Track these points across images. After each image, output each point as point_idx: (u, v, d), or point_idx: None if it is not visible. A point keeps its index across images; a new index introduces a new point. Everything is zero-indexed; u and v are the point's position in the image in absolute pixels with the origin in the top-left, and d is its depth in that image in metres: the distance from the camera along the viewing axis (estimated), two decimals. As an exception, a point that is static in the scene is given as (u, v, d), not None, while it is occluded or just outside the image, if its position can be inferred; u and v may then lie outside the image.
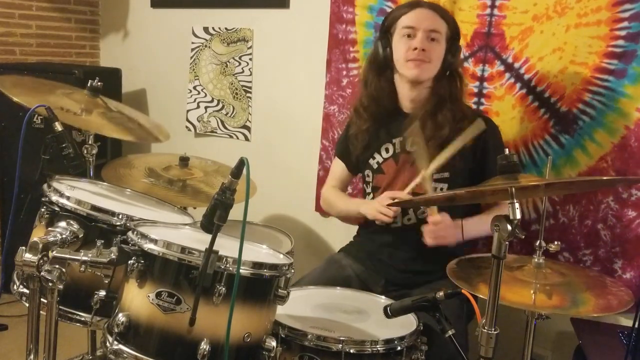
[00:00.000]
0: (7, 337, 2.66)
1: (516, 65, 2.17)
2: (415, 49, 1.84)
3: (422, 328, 1.57)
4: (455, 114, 1.89)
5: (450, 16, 1.95)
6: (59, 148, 1.58)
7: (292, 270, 1.37)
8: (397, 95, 1.98)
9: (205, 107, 3.08)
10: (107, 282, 1.37)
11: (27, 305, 1.42)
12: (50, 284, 1.30)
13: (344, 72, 2.59)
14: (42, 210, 1.49)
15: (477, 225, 1.88)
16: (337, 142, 2.27)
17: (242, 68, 2.94)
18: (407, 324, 1.58)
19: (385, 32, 1.94)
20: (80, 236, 1.42)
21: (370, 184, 2.05)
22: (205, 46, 3.04)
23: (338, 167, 2.20)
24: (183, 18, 3.11)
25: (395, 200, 1.83)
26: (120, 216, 1.45)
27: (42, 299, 1.37)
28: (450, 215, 1.88)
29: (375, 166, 2.03)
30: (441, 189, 1.91)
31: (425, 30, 1.85)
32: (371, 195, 2.05)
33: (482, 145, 1.89)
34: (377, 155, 2.02)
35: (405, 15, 1.90)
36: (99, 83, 2.00)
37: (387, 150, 2.01)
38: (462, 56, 2.13)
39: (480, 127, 1.79)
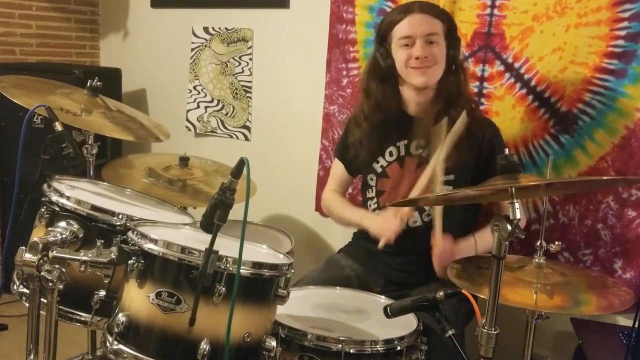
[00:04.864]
0: (7, 337, 2.66)
1: (516, 65, 2.17)
2: (417, 57, 1.83)
3: (422, 328, 1.57)
4: (465, 108, 1.86)
5: (442, 11, 1.92)
6: (59, 148, 1.57)
7: (292, 270, 1.37)
8: (402, 100, 1.96)
9: (205, 107, 3.08)
10: (107, 282, 1.37)
11: (27, 305, 1.42)
12: (50, 284, 1.30)
13: (344, 72, 2.59)
14: (42, 210, 1.49)
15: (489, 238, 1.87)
16: (337, 144, 2.25)
17: (242, 68, 2.94)
18: (407, 324, 1.58)
19: (381, 41, 1.92)
20: (80, 236, 1.42)
21: (374, 188, 2.03)
22: (205, 46, 3.04)
23: (337, 170, 2.19)
24: (183, 18, 3.11)
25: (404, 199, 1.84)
26: (120, 216, 1.45)
27: (42, 299, 1.37)
28: (452, 215, 1.88)
29: (380, 170, 2.01)
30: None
31: (422, 36, 1.83)
32: (374, 199, 2.04)
33: (488, 148, 1.89)
34: (381, 159, 2.01)
35: (400, 24, 1.86)
36: (99, 83, 2.00)
37: (391, 153, 1.99)
38: (462, 49, 2.11)
39: (463, 119, 1.80)
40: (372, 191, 2.05)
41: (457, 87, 1.89)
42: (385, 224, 1.85)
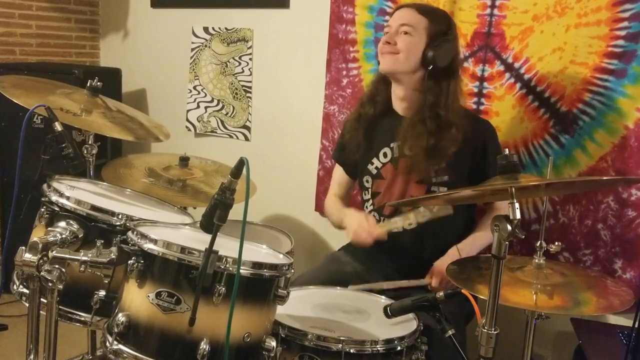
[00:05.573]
0: (7, 337, 2.66)
1: (516, 65, 2.17)
2: (382, 42, 1.87)
3: (422, 328, 1.57)
4: (448, 119, 1.83)
5: (435, 13, 1.92)
6: (59, 148, 1.57)
7: (292, 270, 1.37)
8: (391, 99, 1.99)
9: (205, 107, 3.08)
10: (107, 282, 1.37)
11: (27, 305, 1.42)
12: (50, 284, 1.30)
13: (344, 72, 2.59)
14: (42, 210, 1.49)
15: (472, 246, 1.88)
16: (335, 147, 2.25)
17: (242, 68, 2.94)
18: (407, 324, 1.58)
19: None
20: (80, 236, 1.42)
21: (370, 189, 2.03)
22: (205, 46, 3.04)
23: (337, 173, 2.19)
24: (183, 18, 3.11)
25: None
26: (120, 216, 1.45)
27: (42, 299, 1.37)
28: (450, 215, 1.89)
29: (375, 171, 2.01)
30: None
31: (396, 26, 1.86)
32: (370, 201, 2.04)
33: (481, 148, 1.89)
34: (375, 160, 2.01)
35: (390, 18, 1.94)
36: (99, 83, 2.00)
37: (385, 154, 1.99)
38: (461, 56, 2.11)
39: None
40: (368, 193, 2.04)
41: (443, 95, 1.85)
42: (359, 233, 1.85)
